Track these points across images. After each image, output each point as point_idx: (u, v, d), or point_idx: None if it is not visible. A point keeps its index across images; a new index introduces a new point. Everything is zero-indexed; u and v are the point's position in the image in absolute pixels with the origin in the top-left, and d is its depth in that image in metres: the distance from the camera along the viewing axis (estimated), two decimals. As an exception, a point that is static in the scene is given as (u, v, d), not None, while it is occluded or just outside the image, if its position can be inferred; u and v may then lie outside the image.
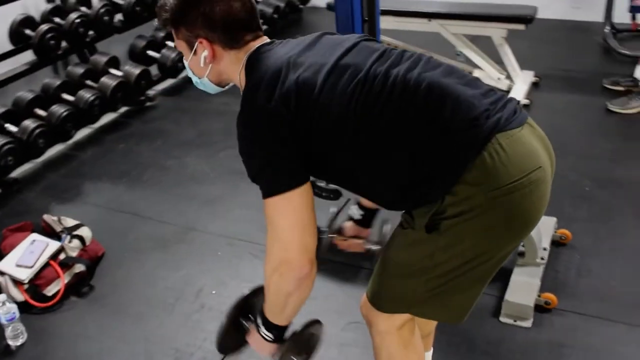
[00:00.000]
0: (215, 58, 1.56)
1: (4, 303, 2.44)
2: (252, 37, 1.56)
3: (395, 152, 1.43)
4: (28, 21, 4.09)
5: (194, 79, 1.67)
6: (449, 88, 1.42)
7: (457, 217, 1.40)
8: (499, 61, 4.12)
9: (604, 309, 2.41)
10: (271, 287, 1.59)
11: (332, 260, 2.01)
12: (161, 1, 1.57)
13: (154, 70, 4.58)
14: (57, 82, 3.99)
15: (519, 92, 3.95)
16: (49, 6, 4.27)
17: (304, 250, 1.49)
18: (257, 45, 1.56)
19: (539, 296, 2.39)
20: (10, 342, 2.46)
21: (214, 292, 2.67)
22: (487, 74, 4.10)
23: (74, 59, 4.41)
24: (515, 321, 2.36)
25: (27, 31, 4.02)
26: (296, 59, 1.49)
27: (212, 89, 1.67)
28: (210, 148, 3.88)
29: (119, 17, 4.48)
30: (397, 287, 1.58)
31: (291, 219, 1.48)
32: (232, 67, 1.57)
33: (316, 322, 1.76)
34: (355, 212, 1.91)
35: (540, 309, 2.39)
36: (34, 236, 2.82)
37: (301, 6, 6.15)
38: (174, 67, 4.59)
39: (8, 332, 2.45)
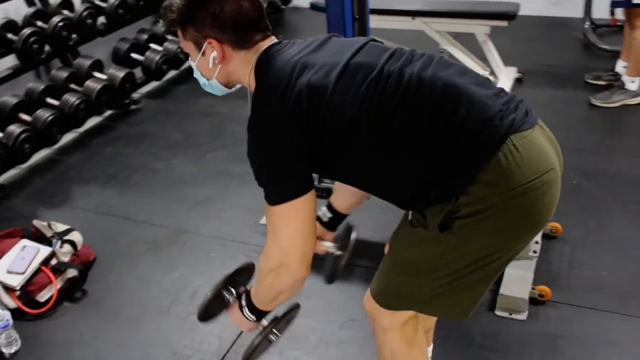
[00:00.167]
0: (225, 59, 1.54)
1: (-4, 310, 2.42)
2: (261, 36, 1.55)
3: (409, 152, 1.42)
4: (10, 25, 4.03)
5: (202, 81, 1.64)
6: (463, 88, 1.42)
7: (470, 217, 1.41)
8: (482, 58, 4.15)
9: (597, 300, 2.44)
10: (264, 283, 1.63)
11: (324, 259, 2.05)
12: (167, 2, 1.55)
13: (137, 72, 4.55)
14: (42, 87, 3.95)
15: (503, 87, 3.97)
16: (31, 10, 4.22)
17: (303, 257, 1.52)
18: (266, 46, 1.54)
19: (533, 289, 2.42)
20: (4, 350, 2.43)
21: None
22: (472, 70, 4.12)
23: (56, 63, 4.36)
24: (510, 314, 2.38)
25: (10, 35, 3.97)
26: (307, 60, 1.48)
27: (220, 90, 1.65)
28: (198, 150, 3.88)
29: (101, 19, 4.44)
30: (404, 284, 1.59)
31: (293, 227, 1.50)
32: (242, 67, 1.55)
33: (296, 307, 1.82)
34: (324, 213, 1.92)
35: (535, 301, 2.42)
36: (24, 242, 2.79)
37: (283, 7, 6.15)
38: (159, 70, 4.57)
39: (2, 339, 2.42)
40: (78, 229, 2.97)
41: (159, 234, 3.09)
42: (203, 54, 1.55)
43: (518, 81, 4.27)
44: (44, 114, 3.76)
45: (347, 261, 1.89)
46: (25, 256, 2.70)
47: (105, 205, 3.39)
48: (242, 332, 2.39)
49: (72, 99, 3.91)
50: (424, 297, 1.57)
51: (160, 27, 4.84)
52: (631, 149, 3.47)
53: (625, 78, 3.88)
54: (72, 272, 2.73)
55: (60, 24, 4.02)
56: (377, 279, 1.67)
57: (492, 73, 4.14)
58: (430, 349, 2.06)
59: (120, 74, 4.24)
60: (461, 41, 4.20)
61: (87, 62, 4.19)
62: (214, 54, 1.53)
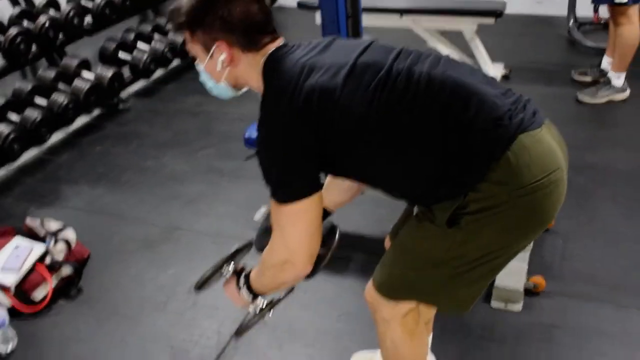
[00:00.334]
0: (233, 61, 1.54)
1: (-7, 309, 2.40)
2: (269, 39, 1.55)
3: (419, 150, 1.43)
4: (-4, 25, 4.00)
5: (209, 84, 1.63)
6: (473, 87, 1.44)
7: (478, 213, 1.42)
8: (470, 55, 4.19)
9: (590, 290, 2.48)
10: (267, 274, 1.66)
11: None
12: (175, 4, 1.54)
13: (125, 72, 4.52)
14: (29, 87, 3.92)
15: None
16: (16, 10, 4.19)
17: (308, 257, 1.55)
18: (273, 48, 1.54)
19: (527, 280, 2.45)
20: (0, 348, 2.41)
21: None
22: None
23: (42, 63, 4.33)
24: (506, 305, 2.41)
25: (-4, 35, 3.93)
26: (314, 62, 1.48)
27: (228, 93, 1.64)
28: (187, 148, 3.87)
29: (88, 19, 4.41)
30: (408, 277, 1.61)
31: (300, 227, 1.51)
32: (250, 70, 1.55)
33: (291, 290, 1.89)
34: None
35: (529, 292, 2.45)
36: (18, 241, 2.77)
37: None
38: (146, 69, 4.56)
39: (-2, 338, 2.41)
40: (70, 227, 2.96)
41: (152, 232, 3.09)
42: (211, 56, 1.54)
43: (505, 78, 4.31)
44: (32, 114, 3.74)
45: (329, 259, 1.88)
46: (20, 254, 2.68)
47: (96, 204, 3.37)
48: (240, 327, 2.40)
49: (60, 98, 3.89)
50: (429, 290, 1.59)
51: (149, 26, 4.83)
52: (619, 143, 3.52)
53: (611, 74, 3.93)
54: (66, 270, 2.72)
55: (47, 23, 3.99)
56: (380, 271, 1.68)
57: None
58: (429, 338, 2.07)
59: (109, 73, 4.22)
60: (449, 39, 4.24)
61: (74, 62, 4.17)
62: (223, 56, 1.53)
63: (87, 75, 4.18)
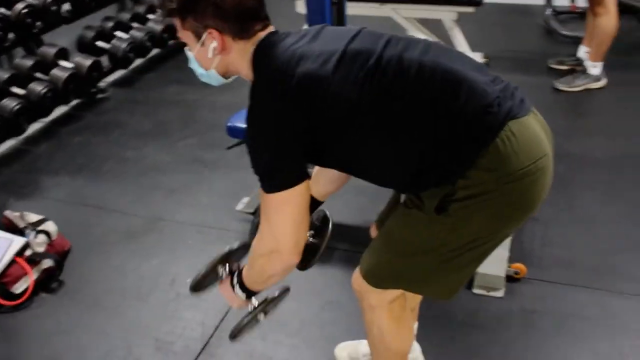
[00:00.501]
0: (225, 49, 1.52)
1: (-27, 302, 2.37)
2: (261, 26, 1.53)
3: (409, 136, 1.44)
4: (-29, 13, 3.93)
5: (199, 71, 1.62)
6: (463, 74, 1.44)
7: (466, 200, 1.43)
8: (449, 44, 4.20)
9: (569, 276, 2.53)
10: (256, 266, 1.65)
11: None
12: None
13: (104, 61, 4.48)
14: (6, 75, 3.86)
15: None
16: (-8, -3, 4.12)
17: (295, 246, 1.55)
18: (264, 35, 1.53)
19: (508, 267, 2.49)
20: (-19, 342, 2.40)
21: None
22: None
23: (19, 52, 4.27)
24: (488, 292, 2.45)
25: (-29, 23, 3.87)
26: (304, 50, 1.48)
27: (218, 80, 1.63)
28: (169, 138, 3.85)
29: (66, 7, 4.35)
30: (396, 264, 1.62)
31: (287, 216, 1.51)
32: (241, 58, 1.54)
33: (286, 290, 1.86)
34: None
35: (511, 279, 2.49)
36: (-3, 233, 2.75)
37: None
38: (125, 58, 4.51)
39: (-21, 331, 2.39)
40: (51, 219, 2.93)
41: (134, 223, 3.07)
42: (202, 44, 1.52)
43: (484, 66, 4.33)
44: (9, 103, 3.69)
45: (324, 249, 1.89)
46: (-1, 247, 2.66)
47: (76, 195, 3.34)
48: (224, 318, 2.41)
49: (38, 87, 3.84)
50: (415, 277, 1.61)
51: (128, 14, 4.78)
52: (595, 131, 3.58)
53: (588, 63, 3.98)
54: (47, 263, 2.70)
55: (25, 10, 3.93)
56: (368, 259, 1.69)
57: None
58: (415, 325, 2.10)
59: (87, 62, 4.18)
60: (429, 27, 4.25)
61: (52, 50, 4.11)
62: (214, 44, 1.51)
63: (65, 64, 4.13)
